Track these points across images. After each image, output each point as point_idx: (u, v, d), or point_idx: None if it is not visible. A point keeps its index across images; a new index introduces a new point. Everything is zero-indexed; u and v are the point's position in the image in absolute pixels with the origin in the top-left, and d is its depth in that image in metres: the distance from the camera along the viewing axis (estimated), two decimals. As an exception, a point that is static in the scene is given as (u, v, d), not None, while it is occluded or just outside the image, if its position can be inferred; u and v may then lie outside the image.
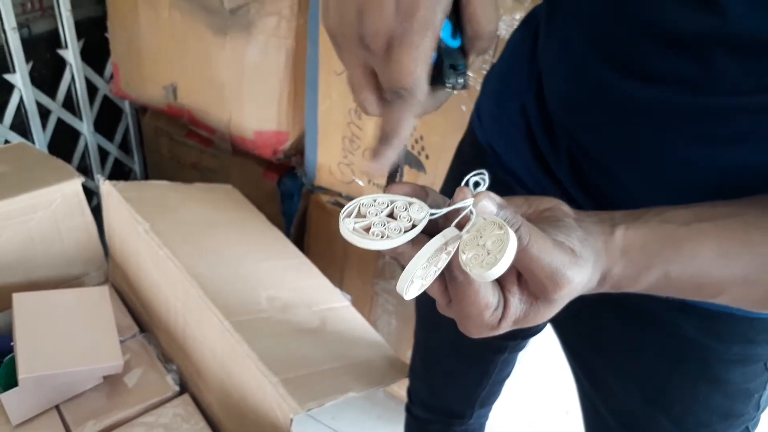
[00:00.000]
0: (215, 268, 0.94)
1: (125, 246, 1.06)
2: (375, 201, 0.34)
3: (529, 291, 0.34)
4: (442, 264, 0.33)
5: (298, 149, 1.35)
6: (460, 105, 1.00)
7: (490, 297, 0.32)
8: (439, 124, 1.04)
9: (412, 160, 1.12)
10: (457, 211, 0.32)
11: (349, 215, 0.33)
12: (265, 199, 1.37)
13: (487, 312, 0.33)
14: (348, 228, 0.32)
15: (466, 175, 0.33)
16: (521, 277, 0.34)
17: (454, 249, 0.32)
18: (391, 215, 0.34)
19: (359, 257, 1.28)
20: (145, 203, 1.01)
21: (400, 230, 0.32)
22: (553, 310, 0.34)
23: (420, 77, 0.33)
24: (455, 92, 0.37)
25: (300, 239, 1.41)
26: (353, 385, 0.81)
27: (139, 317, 1.09)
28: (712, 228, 0.35)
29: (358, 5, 0.32)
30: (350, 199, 1.28)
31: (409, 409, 0.91)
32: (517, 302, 0.34)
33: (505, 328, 0.34)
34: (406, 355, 0.98)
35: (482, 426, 0.92)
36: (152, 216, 0.98)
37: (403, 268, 0.32)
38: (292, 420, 0.72)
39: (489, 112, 0.61)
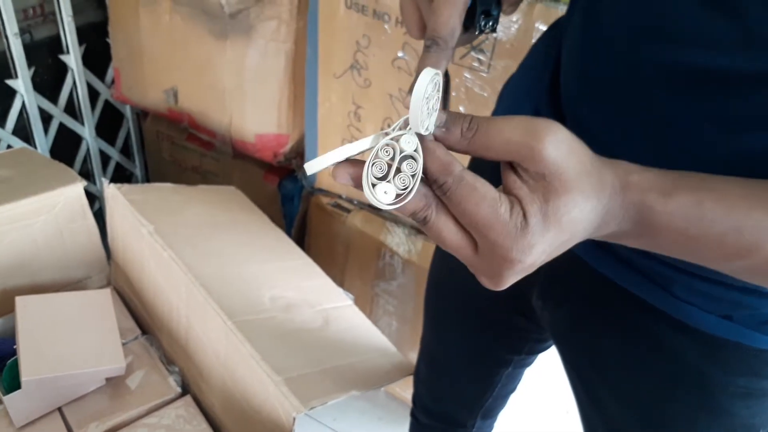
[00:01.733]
0: (218, 269, 0.94)
1: (128, 249, 1.06)
2: (376, 156, 0.33)
3: (527, 174, 0.32)
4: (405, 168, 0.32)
5: (299, 152, 1.36)
6: (458, 106, 1.00)
7: (492, 191, 0.32)
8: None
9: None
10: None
11: (372, 185, 0.33)
12: (265, 201, 1.37)
13: (502, 209, 0.31)
14: (384, 201, 0.32)
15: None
16: (517, 173, 0.33)
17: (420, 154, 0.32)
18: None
19: (360, 259, 1.29)
20: (148, 206, 1.01)
21: (412, 174, 0.32)
22: (571, 184, 0.31)
23: (455, 28, 0.38)
24: (486, 33, 0.42)
25: (301, 241, 1.41)
26: (356, 384, 0.82)
27: (142, 319, 1.09)
28: (740, 185, 0.34)
29: None
30: (350, 201, 1.29)
31: (414, 414, 0.91)
32: (527, 191, 0.32)
33: (536, 225, 0.32)
34: (408, 356, 0.99)
35: (487, 437, 0.91)
36: (156, 218, 0.99)
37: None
38: (294, 419, 0.73)
39: (503, 113, 0.60)
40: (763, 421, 0.51)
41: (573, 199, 0.31)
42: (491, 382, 0.79)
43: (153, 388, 0.97)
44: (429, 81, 0.31)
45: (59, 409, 0.92)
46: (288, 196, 1.41)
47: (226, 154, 1.42)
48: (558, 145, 0.31)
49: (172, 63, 1.35)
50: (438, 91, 0.33)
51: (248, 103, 1.30)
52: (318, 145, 1.25)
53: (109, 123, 1.61)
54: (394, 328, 1.33)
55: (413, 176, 0.32)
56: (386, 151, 0.32)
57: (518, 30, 0.89)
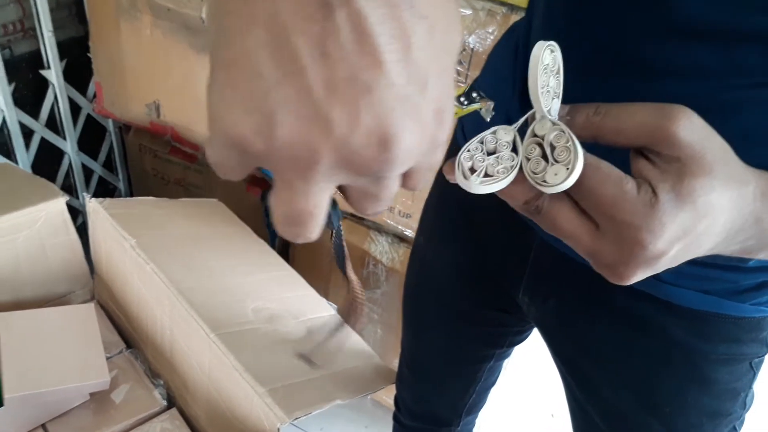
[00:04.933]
0: (202, 282, 0.95)
1: (111, 263, 1.06)
2: (468, 150, 0.33)
3: (660, 158, 0.29)
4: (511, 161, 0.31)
5: (282, 163, 1.36)
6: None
7: (617, 171, 0.29)
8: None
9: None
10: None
11: (465, 176, 0.32)
12: (249, 213, 1.38)
13: (628, 185, 0.29)
14: (475, 184, 0.31)
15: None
16: (648, 158, 0.30)
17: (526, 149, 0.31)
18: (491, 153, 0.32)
19: (344, 268, 1.30)
20: (131, 220, 1.02)
21: (511, 157, 0.32)
22: (707, 167, 0.29)
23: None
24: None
25: (285, 252, 1.42)
26: (340, 393, 0.82)
27: (126, 333, 1.09)
28: None
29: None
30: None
31: (397, 418, 0.92)
32: (659, 172, 0.29)
33: (667, 202, 0.28)
34: (393, 363, 0.99)
35: (470, 432, 0.93)
36: (138, 232, 0.99)
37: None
38: (279, 429, 0.73)
39: (473, 127, 0.60)
40: (743, 385, 0.54)
41: (710, 183, 0.29)
42: (473, 378, 0.80)
43: (138, 401, 0.97)
44: (547, 49, 0.30)
45: (43, 425, 0.91)
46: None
47: (209, 167, 1.42)
48: (694, 128, 0.29)
49: (154, 77, 1.35)
50: (558, 73, 0.32)
51: (230, 115, 1.30)
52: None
53: (91, 137, 1.61)
54: (378, 336, 1.34)
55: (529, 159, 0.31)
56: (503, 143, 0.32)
57: (493, 41, 0.91)
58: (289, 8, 0.19)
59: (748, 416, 0.58)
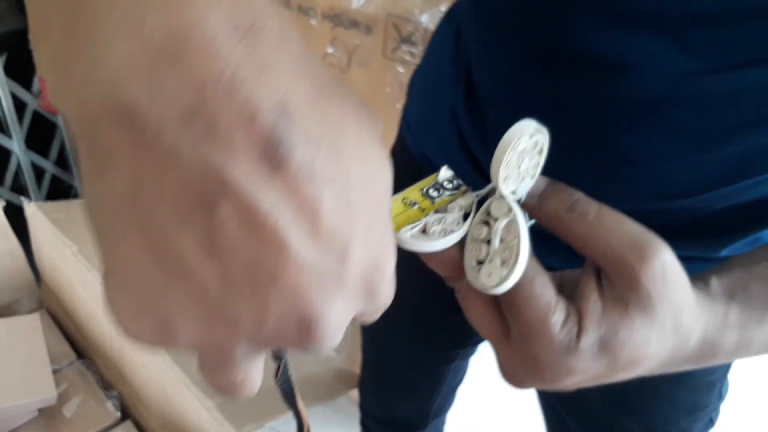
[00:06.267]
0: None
1: (56, 269, 1.00)
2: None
3: (611, 290, 0.27)
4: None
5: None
6: (395, 103, 0.97)
7: (549, 293, 0.27)
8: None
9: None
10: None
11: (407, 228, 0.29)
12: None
13: (554, 318, 0.26)
14: (405, 236, 0.28)
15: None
16: (600, 281, 0.27)
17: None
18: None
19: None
20: (73, 224, 0.96)
21: (457, 222, 0.28)
22: (650, 321, 0.26)
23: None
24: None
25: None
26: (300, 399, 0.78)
27: (77, 343, 1.03)
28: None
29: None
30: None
31: (364, 422, 0.88)
32: (599, 311, 0.27)
33: (587, 351, 0.26)
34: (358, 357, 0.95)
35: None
36: (81, 237, 0.93)
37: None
38: (231, 443, 0.69)
39: (418, 120, 0.56)
40: (718, 376, 0.53)
41: (645, 335, 0.27)
42: (438, 380, 0.77)
43: (90, 415, 0.92)
44: (528, 132, 0.26)
45: (-13, 446, 0.86)
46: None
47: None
48: (660, 278, 0.26)
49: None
50: (540, 153, 0.28)
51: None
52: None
53: (40, 134, 1.53)
54: (348, 331, 1.30)
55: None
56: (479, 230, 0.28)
57: (448, 21, 0.86)
58: (162, 214, 0.16)
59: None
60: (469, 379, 0.83)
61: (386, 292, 0.21)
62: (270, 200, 0.16)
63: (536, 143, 0.28)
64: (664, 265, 0.26)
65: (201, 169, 0.16)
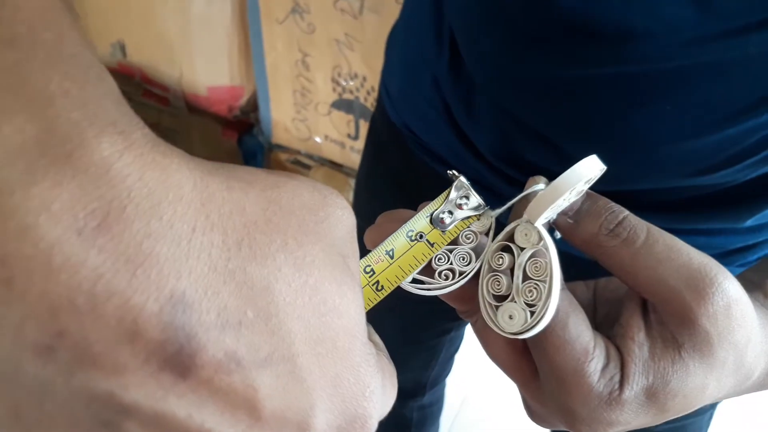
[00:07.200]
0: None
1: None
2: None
3: (661, 327, 0.22)
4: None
5: (256, 105, 1.28)
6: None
7: (586, 336, 0.22)
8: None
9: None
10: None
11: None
12: (225, 158, 1.31)
13: (591, 366, 0.22)
14: (405, 285, 0.25)
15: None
16: (647, 315, 0.23)
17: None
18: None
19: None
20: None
21: (469, 259, 0.24)
22: (708, 365, 0.22)
23: None
24: None
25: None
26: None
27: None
28: None
29: None
30: (310, 157, 1.21)
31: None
32: (647, 356, 0.22)
33: (631, 402, 0.22)
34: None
35: (440, 397, 0.88)
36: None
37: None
38: None
39: (398, 88, 0.51)
40: None
41: (702, 384, 0.22)
42: (434, 351, 0.76)
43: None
44: (590, 176, 0.22)
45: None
46: (250, 153, 1.34)
47: (181, 110, 1.34)
48: (722, 316, 0.22)
49: (116, 14, 1.26)
50: (587, 183, 0.24)
51: (197, 53, 1.21)
52: (270, 97, 1.17)
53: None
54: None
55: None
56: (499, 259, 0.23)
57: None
58: None
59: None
60: (467, 344, 0.81)
61: (373, 416, 0.17)
62: (186, 406, 0.13)
63: (589, 180, 0.23)
64: (728, 303, 0.22)
65: (88, 396, 0.13)
